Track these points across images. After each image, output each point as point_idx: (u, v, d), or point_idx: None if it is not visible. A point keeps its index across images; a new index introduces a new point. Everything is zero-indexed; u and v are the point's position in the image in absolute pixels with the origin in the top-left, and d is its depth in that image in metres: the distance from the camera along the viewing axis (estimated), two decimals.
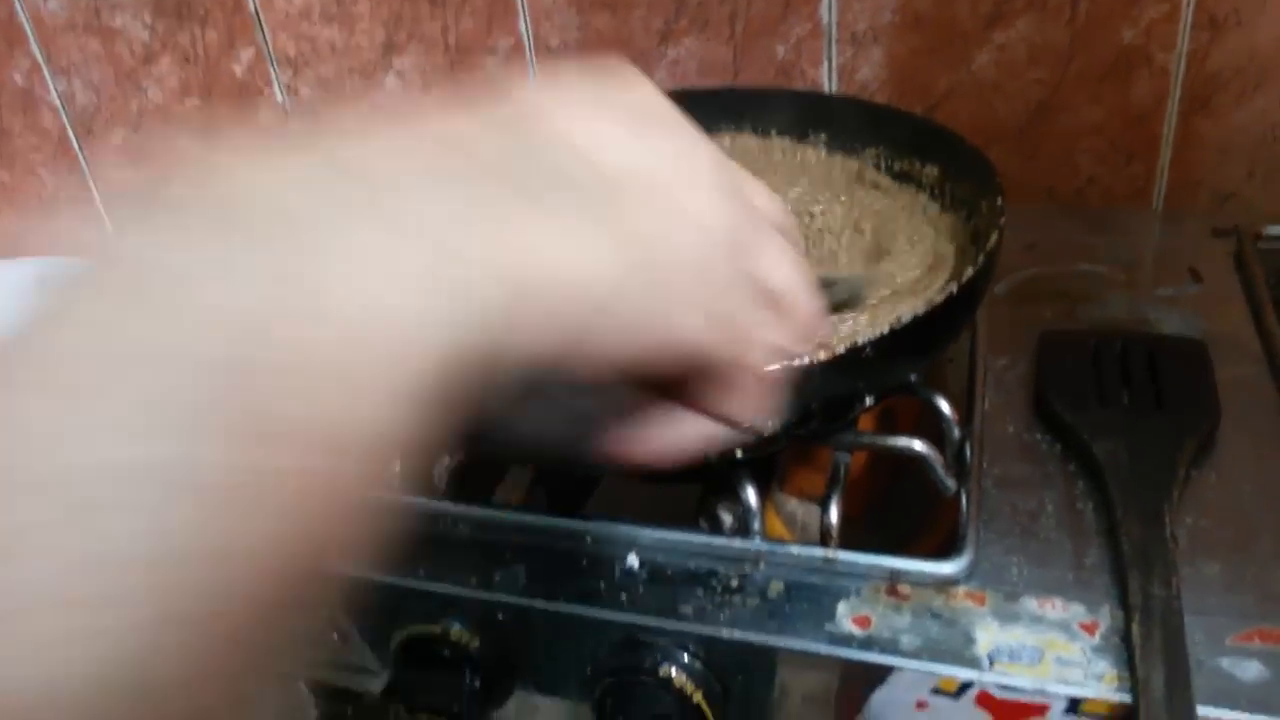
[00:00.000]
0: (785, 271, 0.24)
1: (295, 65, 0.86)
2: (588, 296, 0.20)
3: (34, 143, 0.99)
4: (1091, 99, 0.70)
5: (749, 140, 0.67)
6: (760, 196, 0.24)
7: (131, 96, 0.93)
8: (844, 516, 0.44)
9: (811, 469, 0.56)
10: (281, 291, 0.17)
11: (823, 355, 0.40)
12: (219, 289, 0.17)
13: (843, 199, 0.59)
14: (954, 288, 0.42)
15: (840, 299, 0.40)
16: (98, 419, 0.16)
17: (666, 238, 0.21)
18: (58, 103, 0.95)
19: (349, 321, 0.17)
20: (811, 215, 0.58)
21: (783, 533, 0.57)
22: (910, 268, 0.52)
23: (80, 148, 0.98)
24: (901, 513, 0.55)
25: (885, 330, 0.40)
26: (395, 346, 0.18)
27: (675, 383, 0.24)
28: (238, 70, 0.88)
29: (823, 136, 0.64)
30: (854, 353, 0.40)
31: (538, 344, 0.19)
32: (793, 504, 0.60)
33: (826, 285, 0.32)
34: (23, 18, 0.92)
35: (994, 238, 0.46)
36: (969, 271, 0.44)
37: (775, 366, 0.24)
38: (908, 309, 0.48)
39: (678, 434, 0.25)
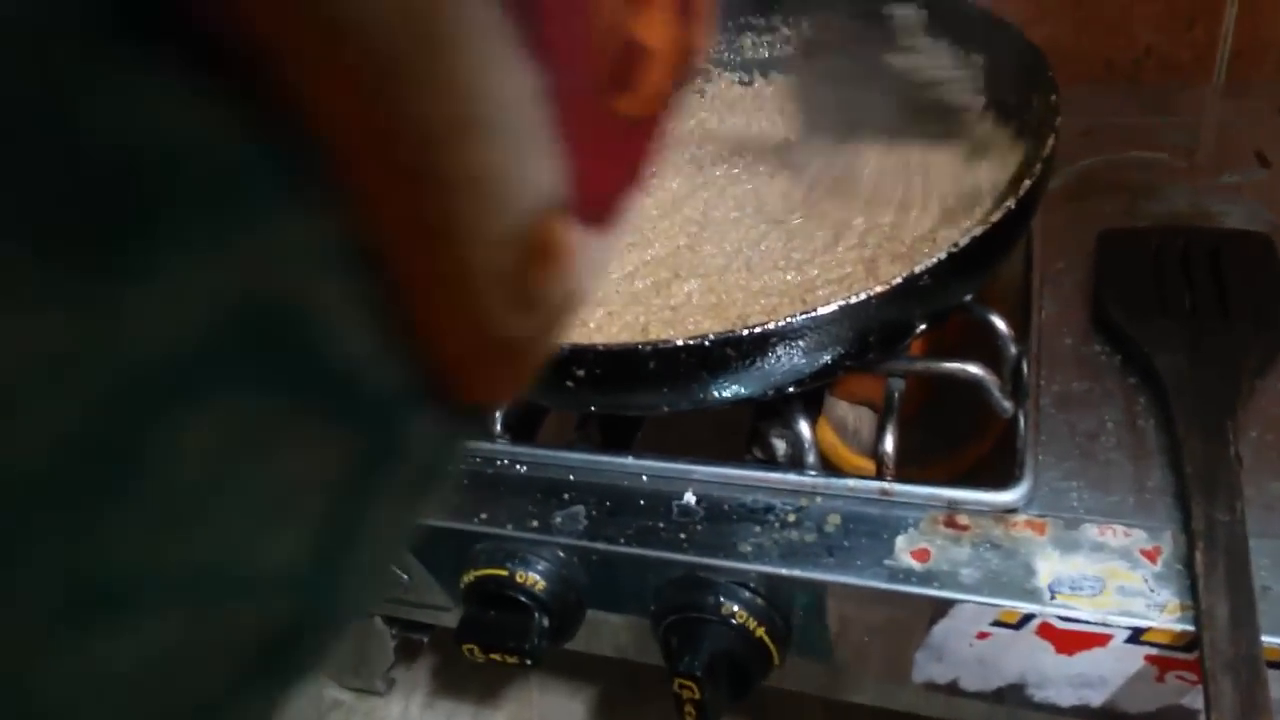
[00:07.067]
0: None
1: None
2: None
3: None
4: None
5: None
6: None
7: None
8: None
9: (861, 372, 0.55)
10: None
11: (878, 289, 0.39)
12: None
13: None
14: (1012, 203, 0.41)
15: None
16: None
17: None
18: None
19: None
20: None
21: (834, 440, 0.57)
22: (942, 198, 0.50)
23: None
24: (949, 419, 0.55)
25: (943, 256, 0.39)
26: None
27: None
28: None
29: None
30: (910, 281, 0.39)
31: None
32: (843, 408, 0.59)
33: None
34: None
35: (1050, 142, 0.44)
36: (1026, 184, 0.42)
37: None
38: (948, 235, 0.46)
39: None
